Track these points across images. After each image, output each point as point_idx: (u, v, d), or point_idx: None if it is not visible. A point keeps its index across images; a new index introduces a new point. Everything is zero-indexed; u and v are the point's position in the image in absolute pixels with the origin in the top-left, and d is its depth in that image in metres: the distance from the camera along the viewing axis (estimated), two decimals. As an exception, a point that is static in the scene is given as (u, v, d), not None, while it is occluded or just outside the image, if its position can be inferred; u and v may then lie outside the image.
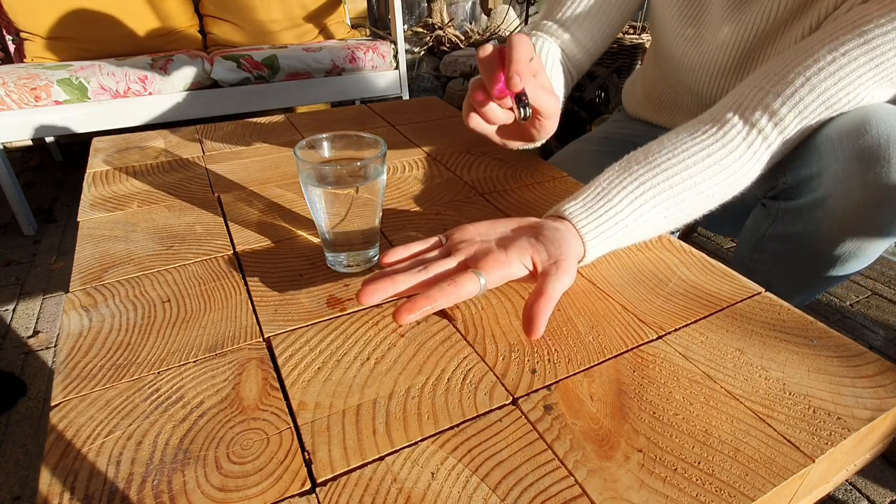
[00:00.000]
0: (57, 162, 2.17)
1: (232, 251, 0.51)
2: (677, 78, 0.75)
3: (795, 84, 0.49)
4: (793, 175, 0.55)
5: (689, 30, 0.70)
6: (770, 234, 0.60)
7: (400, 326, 0.42)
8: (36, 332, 1.23)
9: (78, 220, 0.57)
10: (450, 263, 0.41)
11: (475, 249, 0.42)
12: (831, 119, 0.51)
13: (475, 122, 0.53)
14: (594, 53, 0.72)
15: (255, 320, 0.42)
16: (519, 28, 2.78)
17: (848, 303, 1.29)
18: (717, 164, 0.48)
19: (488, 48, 0.50)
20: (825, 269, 0.58)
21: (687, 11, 0.70)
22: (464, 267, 0.41)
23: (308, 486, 0.30)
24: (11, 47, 1.80)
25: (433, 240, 0.45)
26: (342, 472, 0.31)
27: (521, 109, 0.47)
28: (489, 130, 0.57)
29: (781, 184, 0.57)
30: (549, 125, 0.56)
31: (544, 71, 0.53)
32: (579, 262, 0.46)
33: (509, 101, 0.51)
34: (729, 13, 0.64)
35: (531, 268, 0.42)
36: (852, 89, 0.48)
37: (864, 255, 0.55)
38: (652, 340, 0.41)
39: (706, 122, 0.51)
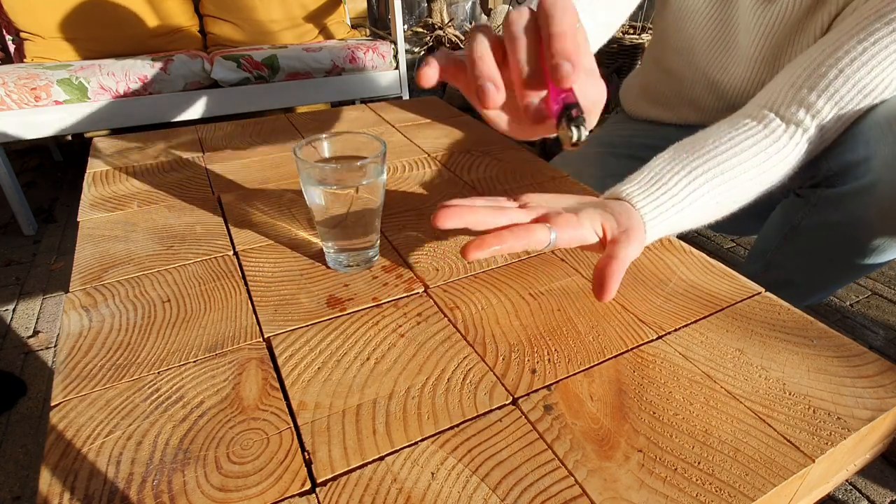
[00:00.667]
0: (57, 162, 2.17)
1: (232, 251, 0.51)
2: (694, 70, 0.75)
3: (829, 76, 0.49)
4: (836, 161, 0.55)
5: (720, 20, 0.70)
6: (805, 224, 0.60)
7: (399, 327, 0.42)
8: (36, 332, 1.23)
9: (78, 220, 0.57)
10: (522, 215, 0.39)
11: (546, 210, 0.41)
12: (874, 106, 0.51)
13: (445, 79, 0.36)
14: (609, 34, 0.70)
15: (255, 320, 0.42)
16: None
17: (848, 303, 1.29)
18: (763, 152, 0.48)
19: (524, 16, 0.32)
20: (860, 258, 0.57)
21: (717, 1, 0.69)
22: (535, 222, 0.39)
23: (308, 486, 0.30)
24: (11, 47, 1.80)
25: (501, 198, 0.42)
26: (342, 472, 0.31)
27: (574, 129, 0.28)
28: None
29: (824, 171, 0.56)
30: (590, 121, 0.37)
31: (587, 43, 0.35)
32: None
33: (534, 100, 0.31)
34: (756, 2, 0.64)
35: (601, 234, 0.40)
36: (886, 75, 0.49)
37: None
38: (652, 340, 0.41)
39: (744, 118, 0.51)
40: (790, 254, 0.62)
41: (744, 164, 0.47)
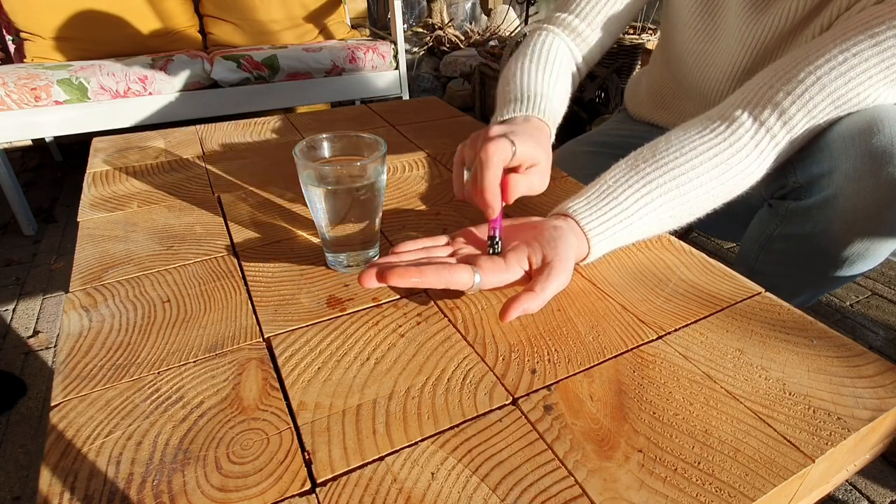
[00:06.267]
0: (57, 162, 2.17)
1: (232, 251, 0.51)
2: (687, 79, 0.75)
3: (806, 82, 0.49)
4: (802, 174, 0.55)
5: (705, 30, 0.70)
6: (777, 235, 0.60)
7: (399, 327, 0.42)
8: (36, 332, 1.23)
9: (78, 220, 0.57)
10: (452, 261, 0.43)
11: (478, 253, 0.44)
12: (840, 118, 0.51)
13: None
14: (606, 45, 0.72)
15: (255, 320, 0.42)
16: (520, 27, 2.78)
17: (848, 303, 1.29)
18: (724, 164, 0.48)
19: (466, 180, 0.47)
20: (833, 270, 0.57)
21: (704, 11, 0.69)
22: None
23: (308, 486, 0.30)
24: (11, 47, 1.80)
25: (442, 238, 0.46)
26: (342, 472, 0.31)
27: (491, 248, 0.44)
28: None
29: (791, 183, 0.56)
30: (538, 189, 0.51)
31: (534, 144, 0.48)
32: (583, 261, 0.46)
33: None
34: (747, 14, 0.64)
35: (527, 269, 0.42)
36: (862, 89, 0.48)
37: (872, 255, 0.55)
38: (652, 340, 0.41)
39: (715, 119, 0.51)
40: (768, 262, 0.63)
41: (701, 177, 0.47)
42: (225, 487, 0.30)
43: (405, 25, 2.94)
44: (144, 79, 1.61)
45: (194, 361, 0.38)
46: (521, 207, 0.59)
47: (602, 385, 0.37)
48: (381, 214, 0.48)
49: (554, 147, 0.79)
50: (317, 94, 1.87)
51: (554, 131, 0.60)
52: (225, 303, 0.44)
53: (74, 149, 2.24)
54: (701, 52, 0.71)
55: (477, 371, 0.38)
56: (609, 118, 1.03)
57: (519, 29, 2.75)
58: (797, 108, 0.49)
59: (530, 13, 2.56)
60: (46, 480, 0.30)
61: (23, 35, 1.73)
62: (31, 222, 1.64)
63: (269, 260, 0.50)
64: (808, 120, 0.50)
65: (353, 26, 2.32)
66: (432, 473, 0.31)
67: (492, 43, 2.71)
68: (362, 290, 0.46)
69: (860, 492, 0.85)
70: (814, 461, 0.31)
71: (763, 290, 0.47)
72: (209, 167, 0.69)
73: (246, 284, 0.47)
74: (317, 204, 0.45)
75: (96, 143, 0.78)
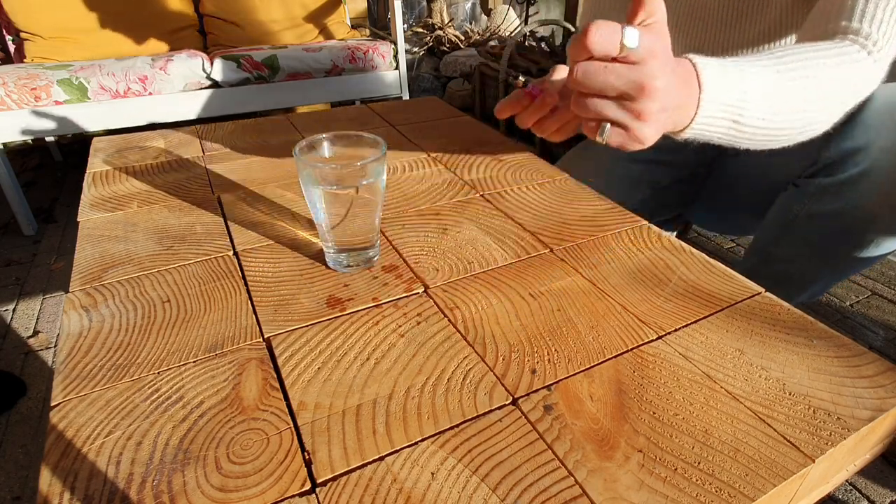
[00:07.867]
0: (57, 162, 2.17)
1: (232, 251, 0.51)
2: (675, 33, 0.74)
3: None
4: (835, 149, 0.54)
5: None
6: (803, 215, 0.59)
7: (399, 327, 0.42)
8: (36, 332, 1.23)
9: (78, 220, 0.57)
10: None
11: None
12: (875, 95, 0.50)
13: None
14: None
15: (255, 320, 0.42)
16: (520, 27, 2.78)
17: (848, 303, 1.29)
18: (848, 64, 0.45)
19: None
20: (857, 249, 0.57)
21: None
22: None
23: (308, 486, 0.30)
24: (11, 47, 1.80)
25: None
26: (342, 472, 0.31)
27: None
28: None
29: (824, 159, 0.56)
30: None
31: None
32: (680, 132, 0.42)
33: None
34: None
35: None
36: None
37: None
38: (652, 340, 0.41)
39: (819, 39, 0.48)
40: (787, 246, 0.62)
41: (830, 68, 0.44)
42: (225, 487, 0.30)
43: (405, 25, 2.94)
44: (144, 79, 1.61)
45: (194, 361, 0.38)
46: (519, 206, 0.59)
47: (602, 385, 0.37)
48: (381, 214, 0.48)
49: (560, 150, 0.78)
50: (317, 94, 1.87)
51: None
52: (225, 303, 0.44)
53: (74, 149, 2.24)
54: (682, 4, 0.69)
55: (477, 371, 0.38)
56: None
57: (519, 29, 2.75)
58: (880, 22, 0.46)
59: (530, 13, 2.56)
60: (46, 480, 0.30)
61: (23, 35, 1.73)
62: (31, 222, 1.64)
63: (269, 260, 0.50)
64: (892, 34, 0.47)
65: (353, 26, 2.32)
66: (432, 473, 0.31)
67: (492, 43, 2.71)
68: (362, 290, 0.46)
69: (860, 492, 0.85)
70: (814, 461, 0.31)
71: (763, 290, 0.47)
72: (209, 167, 0.69)
73: (246, 284, 0.47)
74: (317, 204, 0.45)
75: (96, 143, 0.78)
